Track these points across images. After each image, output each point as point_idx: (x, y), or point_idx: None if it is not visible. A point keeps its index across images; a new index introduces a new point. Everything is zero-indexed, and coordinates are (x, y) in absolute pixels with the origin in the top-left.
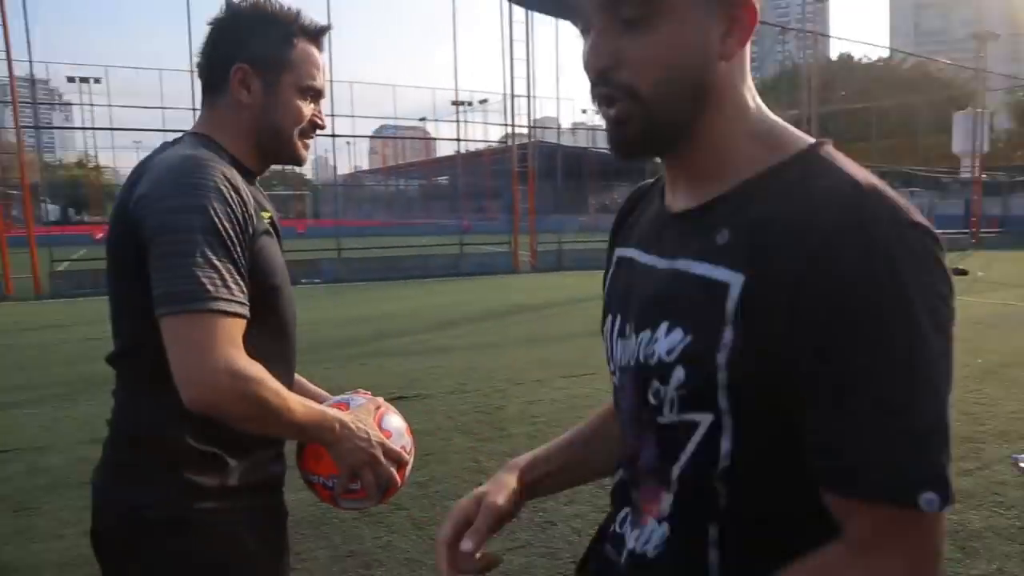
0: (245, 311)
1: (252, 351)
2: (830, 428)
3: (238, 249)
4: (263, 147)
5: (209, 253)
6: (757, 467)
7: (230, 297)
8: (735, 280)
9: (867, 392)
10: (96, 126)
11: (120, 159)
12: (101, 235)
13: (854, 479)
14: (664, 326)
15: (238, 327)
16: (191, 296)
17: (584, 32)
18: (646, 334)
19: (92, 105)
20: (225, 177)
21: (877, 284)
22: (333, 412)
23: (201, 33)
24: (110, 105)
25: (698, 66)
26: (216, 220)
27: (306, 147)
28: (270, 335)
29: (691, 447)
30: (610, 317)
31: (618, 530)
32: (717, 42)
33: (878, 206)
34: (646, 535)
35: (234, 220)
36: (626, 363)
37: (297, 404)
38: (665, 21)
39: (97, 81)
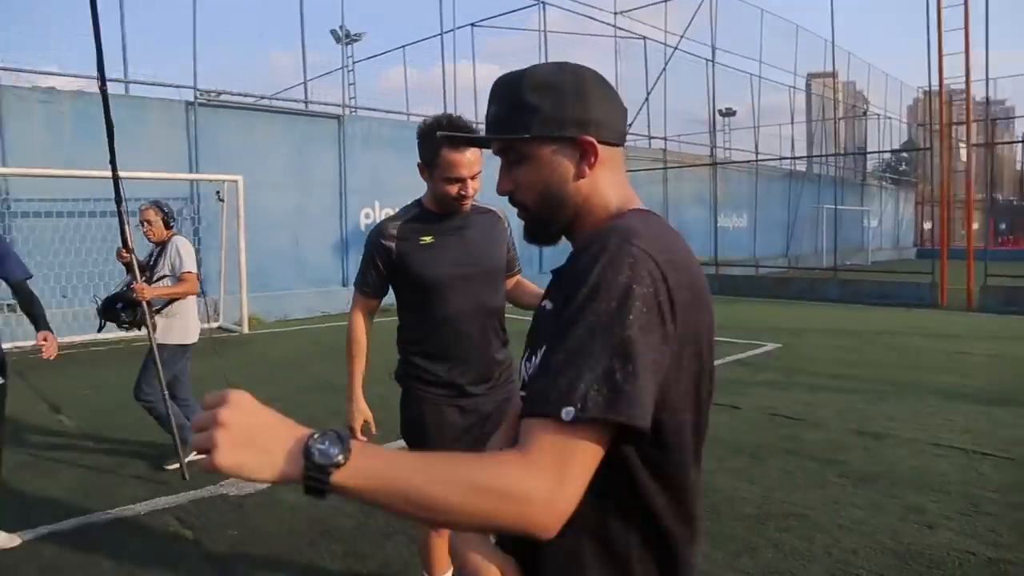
0: (364, 289)
1: (402, 315)
2: (530, 381)
3: (377, 262)
4: (439, 204)
5: (364, 265)
6: None
7: (360, 283)
8: (548, 305)
9: (549, 346)
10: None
11: None
12: None
13: (529, 405)
14: (530, 351)
15: (358, 297)
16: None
17: None
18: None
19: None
20: (379, 229)
21: (580, 272)
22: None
23: None
24: None
25: (559, 186)
26: (369, 248)
27: (461, 201)
28: (414, 305)
29: None
30: None
31: None
32: (574, 167)
33: (612, 237)
34: None
35: (377, 248)
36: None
37: (355, 342)
38: (531, 162)
39: None
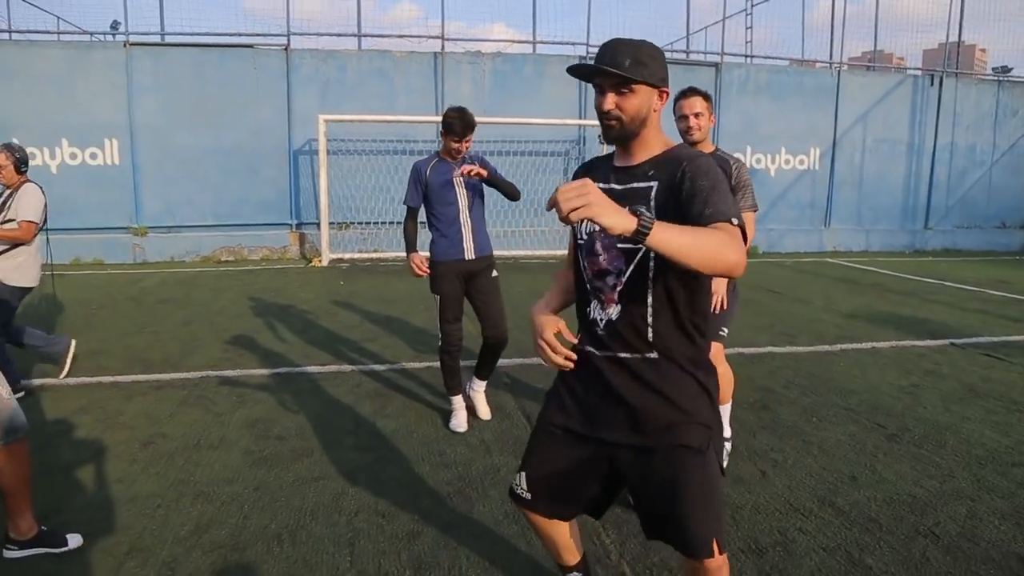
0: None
1: None
2: (705, 208)
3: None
4: None
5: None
6: (666, 271)
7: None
8: (654, 184)
9: (710, 192)
10: None
11: None
12: None
13: (715, 217)
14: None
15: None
16: None
17: (599, 90)
18: None
19: None
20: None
21: (703, 167)
22: None
23: None
24: None
25: (645, 111)
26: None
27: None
28: None
29: (636, 258)
30: None
31: (593, 316)
32: (654, 103)
33: (702, 153)
34: (611, 310)
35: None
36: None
37: None
38: (635, 94)
39: None
